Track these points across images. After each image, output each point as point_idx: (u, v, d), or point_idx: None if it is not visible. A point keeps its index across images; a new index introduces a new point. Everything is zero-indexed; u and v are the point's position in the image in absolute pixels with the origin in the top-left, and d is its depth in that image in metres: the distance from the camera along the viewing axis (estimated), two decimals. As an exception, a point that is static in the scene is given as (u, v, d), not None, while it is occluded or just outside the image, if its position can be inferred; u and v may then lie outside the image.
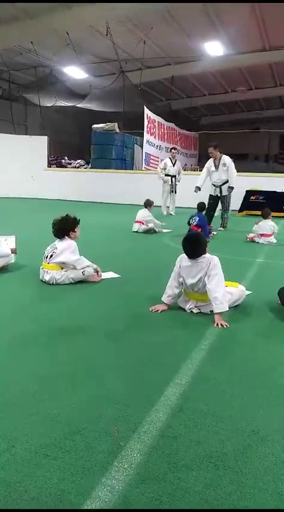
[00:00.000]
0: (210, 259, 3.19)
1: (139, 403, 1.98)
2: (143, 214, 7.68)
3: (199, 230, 6.87)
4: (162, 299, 3.35)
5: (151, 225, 7.56)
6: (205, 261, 3.20)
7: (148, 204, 7.87)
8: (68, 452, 1.62)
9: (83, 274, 4.00)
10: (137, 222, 7.62)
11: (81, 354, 2.52)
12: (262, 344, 2.80)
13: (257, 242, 6.74)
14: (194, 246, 3.26)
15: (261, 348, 2.74)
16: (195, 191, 8.10)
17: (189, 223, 6.88)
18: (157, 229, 7.72)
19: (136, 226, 7.60)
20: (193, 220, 6.90)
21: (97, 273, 4.13)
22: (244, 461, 1.62)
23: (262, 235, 6.79)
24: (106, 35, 12.23)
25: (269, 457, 1.65)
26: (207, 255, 3.27)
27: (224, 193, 8.02)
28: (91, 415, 1.87)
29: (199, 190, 8.10)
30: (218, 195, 7.98)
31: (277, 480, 1.52)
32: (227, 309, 3.11)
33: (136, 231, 7.55)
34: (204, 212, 7.39)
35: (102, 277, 4.17)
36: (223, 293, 3.11)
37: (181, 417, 1.89)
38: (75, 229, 4.11)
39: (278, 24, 12.03)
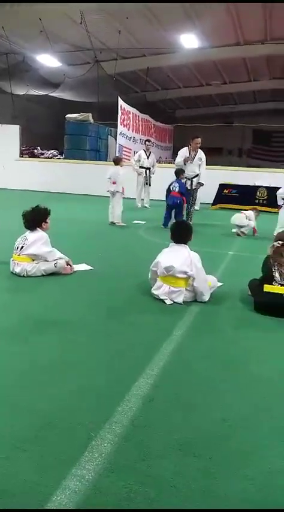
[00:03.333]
0: (190, 254, 3.37)
1: (111, 394, 1.99)
2: (115, 171, 7.58)
3: (180, 196, 7.10)
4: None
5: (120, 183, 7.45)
6: (185, 252, 3.40)
7: (118, 161, 7.84)
8: (39, 445, 1.61)
9: (55, 267, 3.95)
10: (113, 183, 7.51)
11: (55, 346, 2.50)
12: (233, 334, 2.86)
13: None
14: (181, 232, 3.54)
15: (231, 338, 2.80)
16: (185, 163, 7.96)
17: (168, 190, 7.30)
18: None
19: (112, 188, 7.50)
20: (174, 187, 7.30)
21: (70, 266, 4.09)
22: (212, 448, 1.65)
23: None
24: (81, 23, 12.00)
25: (237, 443, 1.69)
26: (188, 248, 3.45)
27: (194, 186, 8.04)
28: (63, 407, 1.87)
29: (191, 161, 7.95)
30: (188, 187, 7.98)
31: (244, 467, 1.56)
32: (207, 299, 3.39)
33: (111, 191, 7.49)
34: (183, 180, 7.53)
35: (75, 269, 4.13)
36: (205, 287, 3.40)
37: (152, 407, 1.90)
38: (47, 221, 4.05)
39: (251, 19, 12.13)
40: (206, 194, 11.40)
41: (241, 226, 6.83)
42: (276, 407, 1.97)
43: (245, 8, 11.34)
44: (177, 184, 7.33)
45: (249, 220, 6.83)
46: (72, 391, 2.00)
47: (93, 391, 2.01)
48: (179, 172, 7.53)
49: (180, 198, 7.33)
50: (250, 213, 6.95)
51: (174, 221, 3.77)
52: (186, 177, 7.88)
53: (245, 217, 6.86)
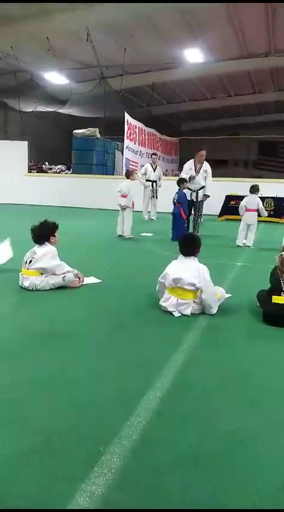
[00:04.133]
0: (199, 267, 3.38)
1: (120, 408, 1.98)
2: (126, 186, 7.59)
3: (179, 206, 7.21)
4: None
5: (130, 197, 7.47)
6: (194, 264, 3.41)
7: (129, 174, 7.88)
8: (47, 459, 1.60)
9: (63, 280, 3.97)
10: (123, 196, 7.53)
11: (63, 359, 2.50)
12: (242, 346, 2.84)
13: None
14: (188, 245, 3.55)
15: (240, 350, 2.77)
16: (190, 180, 7.98)
17: (173, 202, 7.49)
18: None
19: (122, 201, 7.50)
20: (174, 198, 7.47)
21: (78, 279, 4.11)
22: (222, 462, 1.63)
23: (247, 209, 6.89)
24: (87, 41, 12.26)
25: (249, 457, 1.67)
26: (197, 260, 3.46)
27: (200, 198, 8.05)
28: (71, 421, 1.86)
29: (194, 178, 7.97)
30: (194, 200, 8.00)
31: (256, 480, 1.54)
32: (215, 311, 3.39)
33: (121, 205, 7.49)
34: (184, 190, 7.58)
35: (83, 283, 4.14)
36: (214, 300, 3.40)
37: (161, 421, 1.89)
38: (55, 234, 4.08)
39: (255, 32, 12.28)
40: (213, 206, 11.44)
41: None
42: (287, 420, 1.94)
43: (248, 21, 11.49)
44: (176, 195, 7.44)
45: None
46: (81, 404, 2.00)
47: (102, 404, 2.01)
48: (180, 182, 7.57)
49: (178, 208, 7.37)
50: None
51: (183, 234, 3.77)
52: (191, 189, 7.92)
53: None
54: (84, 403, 2.02)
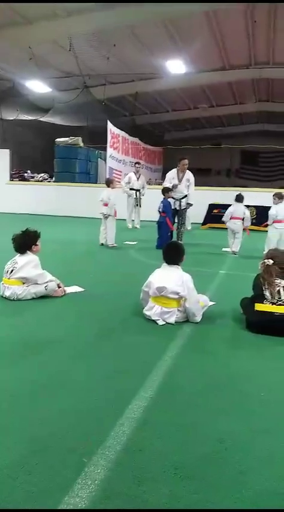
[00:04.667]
0: (182, 275, 3.39)
1: (104, 418, 1.95)
2: (107, 194, 7.59)
3: (165, 215, 7.30)
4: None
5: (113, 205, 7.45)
6: (178, 272, 3.42)
7: (109, 183, 7.85)
8: (30, 472, 1.57)
9: (46, 289, 3.93)
10: (105, 205, 7.53)
11: (45, 370, 2.46)
12: (226, 354, 2.85)
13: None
14: (172, 253, 3.56)
15: (224, 357, 2.78)
16: (173, 189, 8.00)
17: (158, 211, 7.52)
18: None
19: (105, 210, 7.50)
20: (159, 207, 7.48)
21: (61, 288, 4.06)
22: (208, 470, 1.62)
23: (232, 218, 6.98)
24: (69, 50, 12.31)
25: (233, 464, 1.66)
26: (180, 269, 3.47)
27: (183, 207, 8.11)
28: (54, 432, 1.83)
29: (176, 187, 8.00)
30: (177, 208, 8.06)
31: (241, 486, 1.53)
32: (199, 319, 3.40)
33: (103, 213, 7.49)
34: (169, 199, 7.61)
35: (66, 292, 4.11)
36: (198, 308, 3.40)
37: (145, 430, 1.87)
38: (37, 243, 4.04)
39: (235, 44, 12.54)
40: (196, 214, 11.53)
41: None
42: (271, 427, 1.95)
43: (229, 33, 11.73)
44: (161, 204, 7.46)
45: None
46: (63, 415, 1.97)
47: (85, 415, 1.98)
48: (164, 191, 7.61)
49: (163, 218, 7.41)
50: None
51: (167, 242, 3.77)
52: (174, 198, 7.97)
53: None
54: (68, 413, 1.98)
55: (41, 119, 16.79)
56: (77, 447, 1.72)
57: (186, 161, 8.00)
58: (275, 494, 1.51)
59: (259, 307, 3.19)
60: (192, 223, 11.21)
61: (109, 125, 14.53)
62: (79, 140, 15.36)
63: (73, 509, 1.39)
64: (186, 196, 8.10)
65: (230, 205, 7.35)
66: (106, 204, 7.50)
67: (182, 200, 8.07)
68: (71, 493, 1.46)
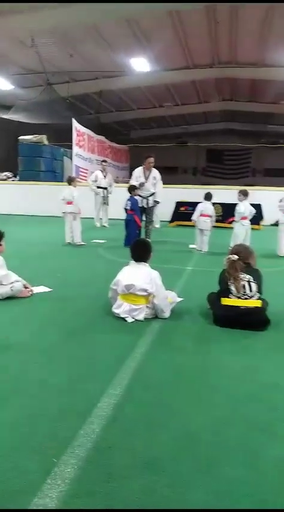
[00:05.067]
0: (150, 272, 3.41)
1: (73, 417, 1.94)
2: (69, 193, 7.49)
3: (133, 213, 7.27)
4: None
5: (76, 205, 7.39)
6: (146, 269, 3.44)
7: (71, 181, 7.78)
8: (-2, 476, 1.53)
9: (12, 290, 3.84)
10: (68, 203, 7.44)
11: (13, 371, 2.42)
12: (194, 348, 2.89)
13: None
14: (140, 251, 3.56)
15: (193, 352, 2.82)
16: (140, 187, 8.01)
17: (125, 209, 7.45)
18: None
19: (68, 208, 7.43)
20: (126, 205, 7.42)
21: (27, 289, 3.99)
22: (178, 463, 1.65)
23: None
24: (32, 46, 12.07)
25: (201, 456, 1.70)
26: (148, 266, 3.49)
27: (151, 205, 8.15)
28: (23, 433, 1.80)
29: (143, 185, 8.01)
30: (145, 206, 8.09)
31: (209, 477, 1.57)
32: (168, 315, 3.43)
33: (68, 213, 7.42)
34: (136, 197, 7.59)
35: (33, 292, 4.04)
36: (166, 304, 3.43)
37: (115, 427, 1.88)
38: (1, 243, 3.95)
39: (199, 44, 12.71)
40: (164, 212, 11.62)
41: None
42: (236, 417, 2.00)
43: (192, 33, 11.86)
44: (128, 202, 7.46)
45: None
46: (33, 416, 1.94)
47: (54, 415, 1.96)
48: (130, 189, 7.63)
49: (131, 215, 7.42)
50: None
51: (134, 240, 3.78)
52: (141, 196, 7.99)
53: None
54: (36, 414, 1.96)
55: (3, 116, 16.40)
56: (46, 448, 1.70)
57: (152, 159, 8.03)
58: (243, 482, 1.55)
59: (225, 301, 3.26)
60: (160, 221, 11.29)
61: (75, 123, 14.38)
62: (43, 138, 15.11)
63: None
64: (153, 194, 8.13)
65: (197, 203, 7.45)
66: (69, 203, 7.43)
67: (149, 198, 8.10)
68: (39, 494, 1.45)
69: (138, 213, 7.48)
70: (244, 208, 6.82)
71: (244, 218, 6.82)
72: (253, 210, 6.88)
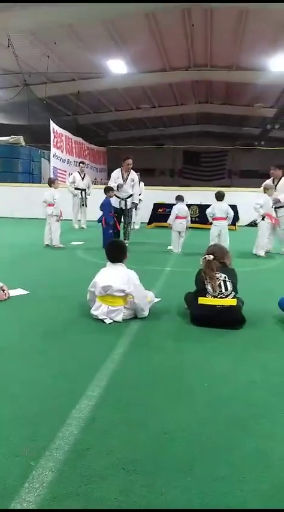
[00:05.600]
0: (128, 272, 3.42)
1: (50, 420, 1.93)
2: (50, 194, 7.43)
3: (112, 215, 7.41)
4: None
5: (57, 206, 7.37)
6: (122, 270, 3.45)
7: (51, 183, 7.71)
8: (-27, 482, 1.51)
9: (-12, 293, 3.79)
10: (50, 205, 7.39)
11: (-12, 375, 2.38)
12: (172, 347, 2.91)
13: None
14: (115, 252, 3.57)
15: (171, 350, 2.85)
16: (118, 189, 8.02)
17: (101, 210, 7.46)
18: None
19: (50, 210, 7.37)
20: (102, 205, 7.44)
21: (3, 291, 3.94)
22: (156, 463, 1.66)
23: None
24: (8, 46, 11.93)
25: (179, 455, 1.71)
26: (124, 266, 3.50)
27: (129, 206, 8.18)
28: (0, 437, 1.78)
29: (122, 187, 8.01)
30: (123, 208, 8.11)
31: (187, 475, 1.58)
32: (147, 314, 3.47)
33: (48, 214, 7.37)
34: (112, 198, 7.62)
35: (9, 295, 3.99)
36: (145, 303, 3.47)
37: (93, 429, 1.87)
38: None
39: (175, 47, 12.83)
40: (142, 214, 11.67)
41: None
42: (213, 416, 2.03)
43: (168, 35, 11.97)
44: (102, 202, 7.47)
45: None
46: (8, 420, 1.91)
47: (32, 418, 1.94)
48: (106, 190, 7.63)
49: (101, 216, 7.42)
50: None
51: (108, 241, 3.78)
52: (120, 198, 8.00)
53: None
54: (13, 418, 1.93)
55: (-22, 117, 16.14)
56: (24, 452, 1.69)
57: (130, 161, 8.06)
58: (220, 479, 1.57)
59: (202, 300, 3.30)
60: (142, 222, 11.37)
61: (52, 124, 14.29)
62: (20, 139, 14.95)
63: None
64: (131, 195, 8.16)
65: (174, 204, 7.48)
66: (51, 205, 7.37)
67: (127, 200, 8.13)
68: (17, 498, 1.43)
69: (106, 213, 7.41)
70: (212, 209, 6.94)
71: (217, 219, 6.91)
72: (229, 211, 6.92)
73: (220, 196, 6.96)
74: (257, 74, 14.22)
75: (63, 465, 1.62)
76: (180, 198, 7.33)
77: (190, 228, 7.55)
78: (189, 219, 7.37)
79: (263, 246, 7.05)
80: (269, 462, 1.68)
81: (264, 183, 7.54)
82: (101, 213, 7.54)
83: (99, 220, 7.49)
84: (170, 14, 10.62)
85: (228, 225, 7.07)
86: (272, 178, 7.54)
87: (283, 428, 1.92)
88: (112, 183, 8.06)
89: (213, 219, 6.97)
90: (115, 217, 7.62)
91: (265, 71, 13.86)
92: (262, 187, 7.47)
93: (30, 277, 4.88)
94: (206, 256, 3.46)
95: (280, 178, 7.39)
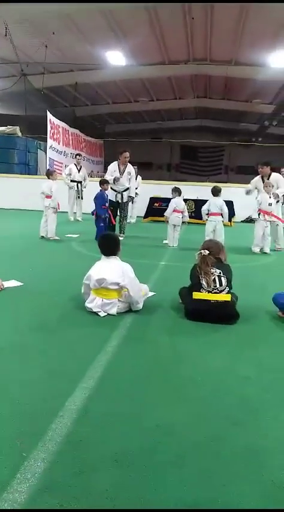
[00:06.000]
0: (122, 265, 3.42)
1: (44, 412, 1.92)
2: (48, 186, 7.38)
3: (105, 207, 7.40)
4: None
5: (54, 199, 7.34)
6: (117, 263, 3.45)
7: (50, 174, 7.66)
8: None
9: (-18, 284, 3.77)
10: (47, 197, 7.34)
11: (-19, 366, 2.38)
12: (165, 341, 2.92)
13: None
14: (107, 245, 3.56)
15: (164, 345, 2.85)
16: (114, 182, 7.99)
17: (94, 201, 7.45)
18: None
19: (47, 202, 7.33)
20: (95, 198, 7.42)
21: (-2, 283, 3.93)
22: (149, 456, 1.66)
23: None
24: (6, 35, 11.78)
25: (171, 449, 1.72)
26: (119, 259, 3.50)
27: (125, 200, 8.15)
28: (-9, 430, 1.78)
29: (118, 180, 7.99)
30: (119, 201, 8.08)
31: (179, 469, 1.59)
32: (141, 307, 3.48)
33: (46, 206, 7.34)
34: (107, 191, 7.62)
35: (3, 287, 3.97)
36: (140, 296, 3.48)
37: (86, 420, 1.88)
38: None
39: (175, 40, 12.74)
40: (138, 208, 11.64)
41: None
42: (205, 410, 2.04)
43: (168, 29, 11.88)
44: (96, 195, 7.45)
45: None
46: (1, 412, 1.91)
47: (24, 410, 1.94)
48: (100, 183, 7.60)
49: (103, 210, 7.40)
50: None
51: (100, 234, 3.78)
52: (116, 191, 7.98)
53: None
54: (5, 409, 1.93)
55: (-26, 106, 15.98)
56: (16, 443, 1.69)
57: (127, 154, 8.02)
58: (212, 473, 1.58)
59: (196, 295, 3.31)
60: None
61: (49, 115, 14.17)
62: (17, 130, 14.83)
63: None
64: (127, 189, 8.13)
65: (171, 199, 7.47)
66: (49, 196, 7.33)
67: (124, 193, 8.10)
68: (9, 489, 1.43)
69: (98, 206, 7.38)
70: (207, 206, 6.93)
71: (212, 214, 6.91)
72: (224, 207, 6.89)
73: (216, 192, 6.94)
74: (256, 69, 14.17)
75: (56, 456, 1.62)
76: (177, 191, 7.29)
77: (188, 223, 7.53)
78: (187, 213, 7.35)
79: (257, 244, 7.06)
80: (261, 458, 1.69)
81: (253, 181, 7.54)
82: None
83: (93, 213, 7.47)
84: (170, 8, 10.53)
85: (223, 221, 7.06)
86: (260, 175, 7.50)
87: (276, 425, 1.94)
88: (108, 176, 8.03)
89: (209, 215, 6.97)
90: (109, 210, 7.58)
91: (264, 67, 13.82)
92: (251, 184, 7.49)
93: (25, 269, 4.86)
94: (201, 251, 3.46)
95: (269, 176, 7.36)
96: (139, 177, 10.39)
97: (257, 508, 1.43)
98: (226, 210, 6.93)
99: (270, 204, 6.90)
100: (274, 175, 7.37)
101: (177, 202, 7.17)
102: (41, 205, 7.47)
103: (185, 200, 11.61)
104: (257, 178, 7.49)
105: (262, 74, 14.32)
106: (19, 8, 10.31)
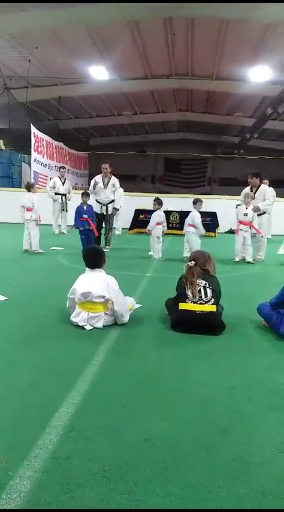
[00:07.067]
0: (106, 278, 3.40)
1: (29, 429, 1.89)
2: (29, 199, 7.34)
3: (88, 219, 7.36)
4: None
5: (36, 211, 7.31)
6: (101, 275, 3.43)
7: (30, 187, 7.59)
8: None
9: None
10: (28, 210, 7.31)
11: None
12: (152, 353, 2.91)
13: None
14: (92, 257, 3.54)
15: (152, 356, 2.84)
16: (94, 188, 8.03)
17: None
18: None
19: (28, 215, 7.29)
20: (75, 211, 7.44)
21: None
22: (136, 470, 1.64)
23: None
24: (-12, 49, 11.82)
25: (159, 461, 1.70)
26: (104, 272, 3.48)
27: (110, 212, 8.18)
28: (-25, 448, 1.73)
29: (95, 187, 8.02)
30: (104, 213, 8.10)
31: (167, 482, 1.58)
32: (127, 320, 3.45)
33: (27, 219, 7.29)
34: (93, 203, 7.66)
35: (-12, 300, 3.92)
36: (125, 309, 3.44)
37: (73, 436, 1.85)
38: None
39: (157, 55, 12.96)
40: (123, 220, 11.68)
41: None
42: (192, 421, 2.03)
43: (150, 44, 12.09)
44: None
45: None
46: (-13, 429, 1.87)
47: (10, 426, 1.90)
48: (82, 195, 7.61)
49: (86, 222, 7.39)
50: None
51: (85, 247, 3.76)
52: (101, 203, 8.00)
53: None
54: (-10, 427, 1.89)
55: None
56: (1, 461, 1.65)
57: (106, 165, 8.09)
58: (199, 484, 1.57)
59: (182, 306, 3.32)
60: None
61: (33, 128, 14.18)
62: (0, 143, 14.79)
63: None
64: (112, 201, 8.16)
65: (155, 210, 7.49)
66: (29, 209, 7.30)
67: (108, 205, 8.13)
68: (-6, 510, 1.40)
69: (76, 218, 7.40)
70: (191, 218, 7.04)
71: (191, 225, 7.02)
72: (195, 219, 6.97)
73: (193, 203, 7.10)
74: (237, 84, 14.49)
75: (42, 474, 1.59)
76: (160, 203, 7.34)
77: (171, 234, 7.58)
78: (165, 224, 7.42)
79: (237, 253, 7.20)
80: (248, 468, 1.69)
81: (243, 191, 7.63)
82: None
83: (70, 226, 7.50)
84: (152, 23, 10.73)
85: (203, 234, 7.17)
86: (250, 186, 7.61)
87: (262, 434, 1.94)
88: (91, 188, 8.11)
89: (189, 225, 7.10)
90: (91, 222, 7.52)
91: (244, 81, 14.14)
92: (241, 195, 7.56)
93: (9, 283, 4.80)
94: (189, 263, 3.48)
95: (258, 187, 7.47)
96: (121, 190, 10.44)
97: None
98: (197, 221, 6.95)
99: (246, 215, 7.05)
100: (263, 187, 7.47)
101: (160, 215, 7.21)
102: (22, 218, 7.42)
103: (170, 212, 11.74)
104: (247, 189, 7.60)
105: (243, 88, 14.64)
106: (2, 22, 10.35)
